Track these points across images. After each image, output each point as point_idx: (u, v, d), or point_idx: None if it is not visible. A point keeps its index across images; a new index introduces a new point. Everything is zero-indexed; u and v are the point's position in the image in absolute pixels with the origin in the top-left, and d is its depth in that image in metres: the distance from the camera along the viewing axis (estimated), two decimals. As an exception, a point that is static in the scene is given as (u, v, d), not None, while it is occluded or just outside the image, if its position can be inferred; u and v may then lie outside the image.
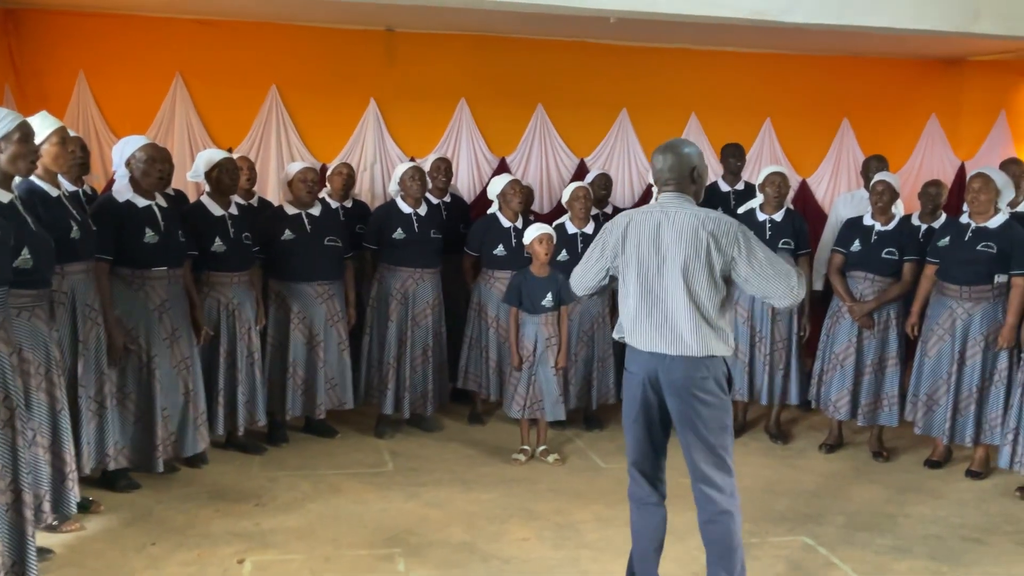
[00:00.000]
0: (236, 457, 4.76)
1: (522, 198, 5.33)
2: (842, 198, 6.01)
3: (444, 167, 5.62)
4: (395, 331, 5.04)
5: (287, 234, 4.77)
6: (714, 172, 6.37)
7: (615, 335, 3.07)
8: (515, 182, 5.32)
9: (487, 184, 5.79)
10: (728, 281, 2.88)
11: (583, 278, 3.10)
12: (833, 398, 5.03)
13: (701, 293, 2.84)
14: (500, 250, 5.21)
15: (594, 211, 5.70)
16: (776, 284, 2.82)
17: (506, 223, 5.28)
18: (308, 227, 4.82)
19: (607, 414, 5.58)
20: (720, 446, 2.86)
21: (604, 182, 5.85)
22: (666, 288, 2.86)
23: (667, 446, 3.03)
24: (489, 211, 5.40)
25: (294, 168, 4.91)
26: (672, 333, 2.85)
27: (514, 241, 5.14)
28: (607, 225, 3.07)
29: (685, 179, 2.93)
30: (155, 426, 4.07)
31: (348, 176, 5.56)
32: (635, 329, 2.93)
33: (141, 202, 4.04)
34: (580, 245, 5.18)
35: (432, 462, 4.79)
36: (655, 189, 5.18)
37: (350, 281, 5.06)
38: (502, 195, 5.28)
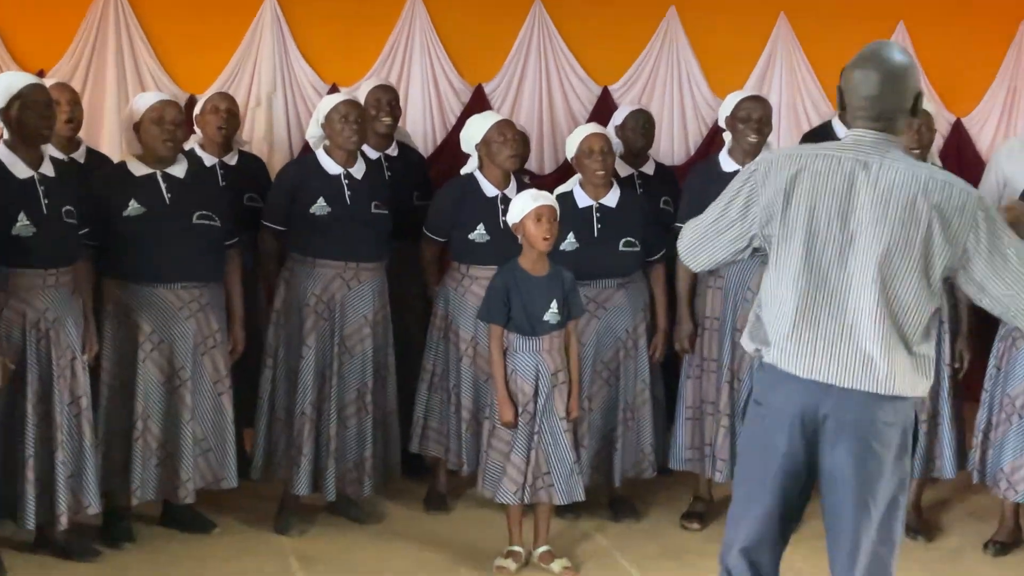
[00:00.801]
0: (52, 566, 4.71)
1: (515, 150, 5.30)
2: (1008, 147, 6.03)
3: (387, 101, 5.60)
4: (314, 363, 5.05)
5: (133, 207, 4.74)
6: (822, 107, 6.39)
7: (747, 345, 3.13)
8: (505, 124, 5.31)
9: (458, 127, 5.78)
10: (947, 284, 3.04)
11: (704, 243, 3.18)
12: (1007, 468, 5.04)
13: (907, 298, 2.91)
14: (480, 232, 5.22)
15: (627, 170, 5.65)
16: None
17: (491, 190, 5.27)
18: (167, 196, 4.81)
19: (643, 493, 5.55)
20: (888, 531, 2.98)
21: (642, 124, 5.78)
22: (850, 283, 2.93)
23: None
24: (464, 170, 5.37)
25: (143, 103, 4.86)
26: (852, 354, 2.93)
27: (503, 219, 5.13)
28: (755, 166, 3.10)
29: (900, 112, 3.00)
30: None
31: (229, 115, 5.52)
32: (790, 342, 2.99)
33: None
34: (597, 225, 5.21)
35: (367, 573, 4.77)
36: (728, 135, 5.26)
37: (235, 282, 5.06)
38: (484, 145, 5.26)
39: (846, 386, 2.93)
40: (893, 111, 2.98)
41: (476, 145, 5.31)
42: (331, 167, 5.10)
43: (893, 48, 3.06)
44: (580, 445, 5.15)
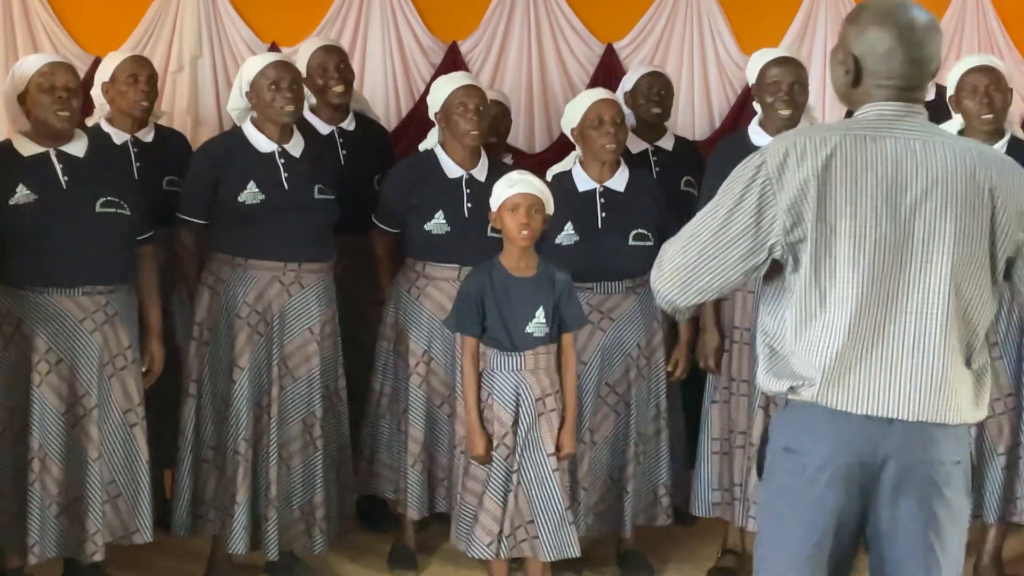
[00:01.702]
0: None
1: (477, 125, 5.10)
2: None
3: (335, 65, 5.52)
4: (248, 389, 4.90)
5: (21, 193, 4.59)
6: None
7: (769, 385, 2.97)
8: (470, 90, 5.12)
9: (427, 94, 5.65)
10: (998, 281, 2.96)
11: (701, 267, 2.98)
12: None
13: (976, 300, 2.89)
14: (439, 222, 5.08)
15: (640, 145, 5.56)
16: None
17: (453, 170, 5.12)
18: (63, 179, 4.65)
19: (658, 546, 5.41)
20: None
21: (657, 90, 5.71)
22: (909, 292, 2.88)
23: None
24: (423, 145, 5.28)
25: (28, 67, 4.68)
26: (917, 378, 2.87)
27: (469, 205, 4.99)
28: (761, 158, 2.92)
29: (926, 81, 3.00)
30: None
31: (148, 84, 5.37)
32: (840, 371, 2.89)
33: None
34: (602, 213, 5.03)
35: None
36: (758, 104, 5.20)
37: (150, 286, 4.91)
38: (443, 114, 5.09)
39: (911, 419, 2.84)
40: (923, 76, 2.96)
41: (435, 114, 5.18)
42: (262, 144, 4.93)
43: (915, 5, 3.01)
44: (581, 487, 5.05)
